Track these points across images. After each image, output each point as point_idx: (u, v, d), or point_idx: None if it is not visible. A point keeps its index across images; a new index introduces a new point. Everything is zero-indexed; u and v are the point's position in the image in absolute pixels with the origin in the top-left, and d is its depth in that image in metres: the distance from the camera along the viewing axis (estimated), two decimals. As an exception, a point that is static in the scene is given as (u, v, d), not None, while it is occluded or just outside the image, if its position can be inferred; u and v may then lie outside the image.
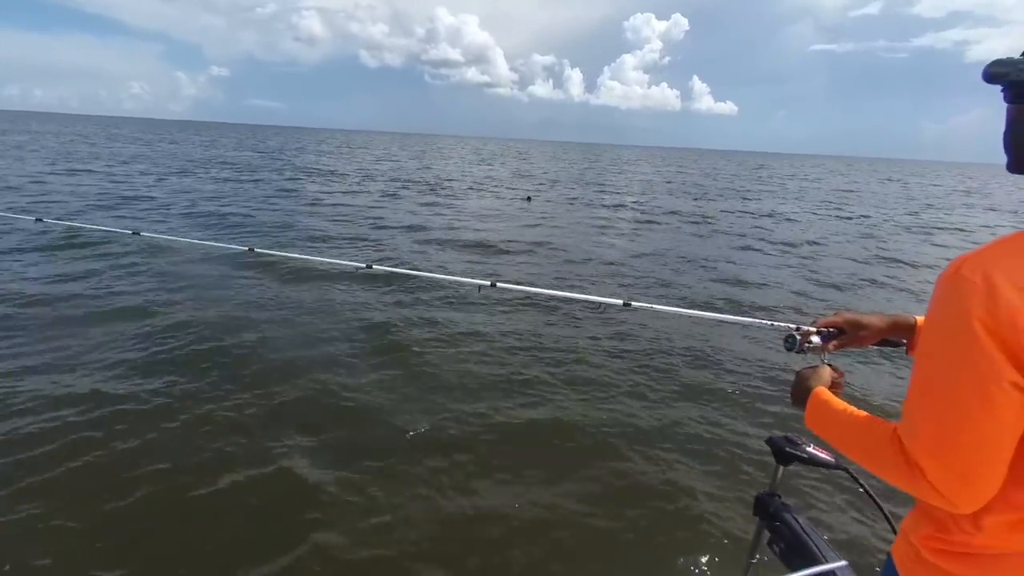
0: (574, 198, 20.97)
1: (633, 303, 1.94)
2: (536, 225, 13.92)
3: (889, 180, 47.90)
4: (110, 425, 3.73)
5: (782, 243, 12.67)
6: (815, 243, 12.95)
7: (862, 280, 9.30)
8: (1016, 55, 0.87)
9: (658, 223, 15.37)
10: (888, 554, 1.05)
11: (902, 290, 8.86)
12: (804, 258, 11.14)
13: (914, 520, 1.00)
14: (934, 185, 43.94)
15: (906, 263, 11.02)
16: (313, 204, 15.66)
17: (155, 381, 4.39)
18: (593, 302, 2.01)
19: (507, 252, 10.43)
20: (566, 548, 2.92)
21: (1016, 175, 0.94)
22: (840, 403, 1.06)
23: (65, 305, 6.06)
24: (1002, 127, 0.92)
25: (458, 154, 59.52)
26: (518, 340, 5.69)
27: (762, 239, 13.15)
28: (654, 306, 2.02)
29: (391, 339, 5.57)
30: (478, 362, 5.14)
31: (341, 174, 26.07)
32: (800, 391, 1.16)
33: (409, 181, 24.17)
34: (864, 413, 0.99)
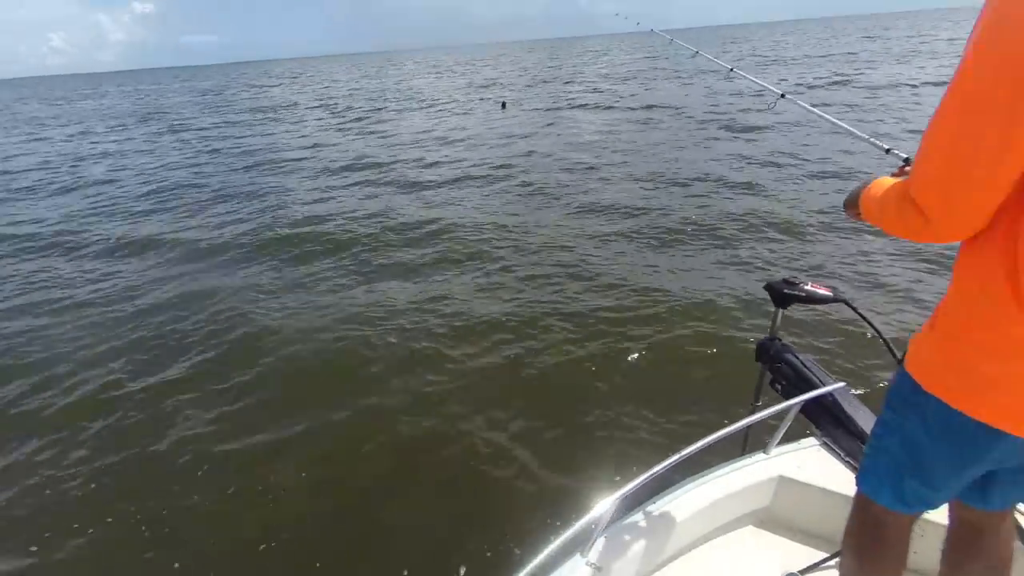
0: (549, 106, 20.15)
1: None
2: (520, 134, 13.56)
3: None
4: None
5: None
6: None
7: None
8: None
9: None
10: (899, 368, 1.01)
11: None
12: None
13: (940, 319, 0.92)
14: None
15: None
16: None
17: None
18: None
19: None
20: (592, 392, 3.27)
21: None
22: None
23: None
24: None
25: (421, 70, 55.95)
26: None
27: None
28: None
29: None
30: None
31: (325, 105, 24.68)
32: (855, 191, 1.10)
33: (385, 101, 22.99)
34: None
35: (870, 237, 5.20)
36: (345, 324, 4.39)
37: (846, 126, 1.77)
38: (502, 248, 5.78)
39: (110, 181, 11.05)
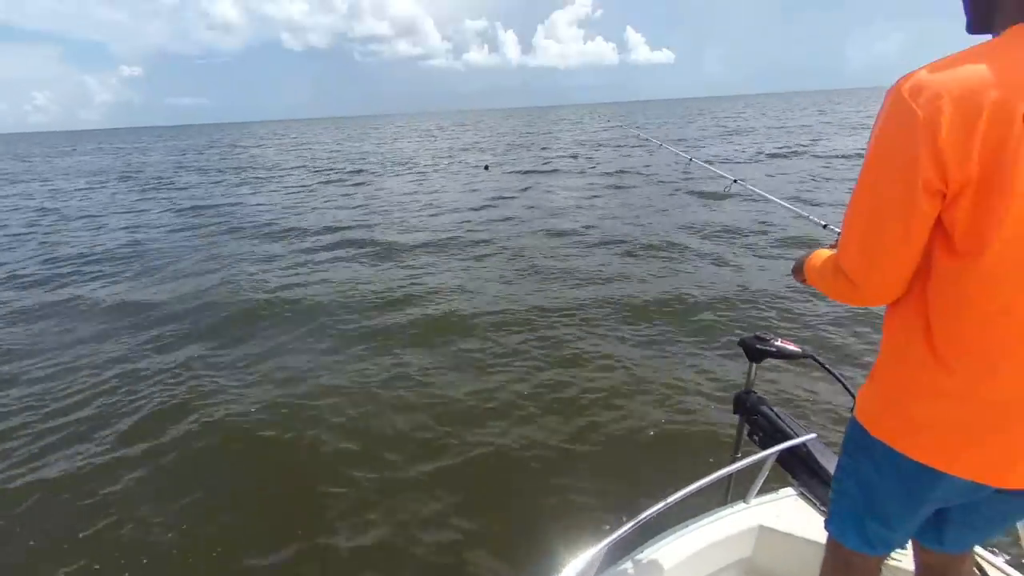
0: (527, 171, 21.01)
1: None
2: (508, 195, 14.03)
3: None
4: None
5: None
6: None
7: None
8: None
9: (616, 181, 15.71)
10: (851, 416, 1.09)
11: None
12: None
13: (878, 372, 1.02)
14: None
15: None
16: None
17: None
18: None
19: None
20: (578, 461, 3.26)
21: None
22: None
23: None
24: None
25: (403, 134, 57.87)
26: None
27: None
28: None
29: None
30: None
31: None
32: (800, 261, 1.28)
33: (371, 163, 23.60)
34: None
35: (831, 300, 5.44)
36: (308, 399, 4.18)
37: (793, 207, 2.00)
38: (476, 317, 5.71)
39: (70, 241, 10.76)
